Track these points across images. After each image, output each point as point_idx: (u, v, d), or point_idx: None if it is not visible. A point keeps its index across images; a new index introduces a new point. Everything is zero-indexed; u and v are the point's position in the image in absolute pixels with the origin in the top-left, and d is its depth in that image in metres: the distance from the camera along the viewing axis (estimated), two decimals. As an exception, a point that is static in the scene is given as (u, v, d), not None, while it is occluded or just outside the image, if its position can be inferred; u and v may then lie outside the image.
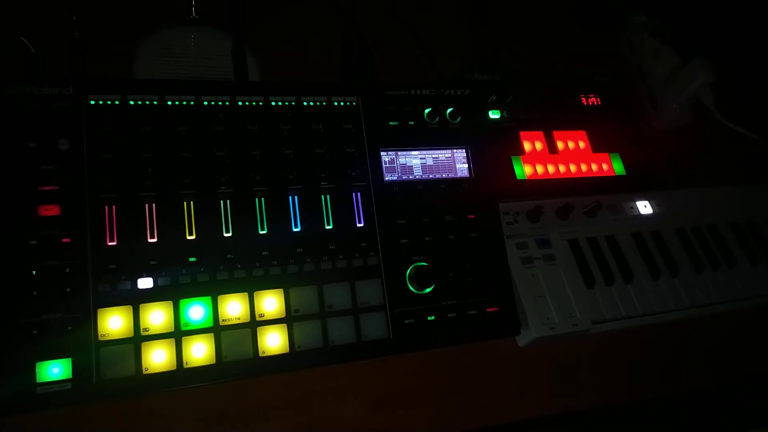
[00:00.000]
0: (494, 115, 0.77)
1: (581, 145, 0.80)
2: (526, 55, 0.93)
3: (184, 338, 0.55)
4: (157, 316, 0.55)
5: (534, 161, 0.76)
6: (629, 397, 0.71)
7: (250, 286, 0.59)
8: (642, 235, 0.77)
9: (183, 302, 0.56)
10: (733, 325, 0.78)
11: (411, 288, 0.64)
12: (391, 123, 0.69)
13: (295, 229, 0.62)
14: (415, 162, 0.69)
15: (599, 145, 0.80)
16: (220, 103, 0.64)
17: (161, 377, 0.54)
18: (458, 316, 0.64)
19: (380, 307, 0.62)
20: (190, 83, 0.64)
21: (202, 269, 0.58)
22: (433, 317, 0.63)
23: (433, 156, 0.70)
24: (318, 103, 0.67)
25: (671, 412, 0.77)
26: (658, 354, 0.74)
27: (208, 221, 0.59)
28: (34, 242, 0.54)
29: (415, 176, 0.68)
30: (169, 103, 0.62)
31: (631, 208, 0.77)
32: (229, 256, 0.59)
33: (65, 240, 0.55)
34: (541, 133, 0.78)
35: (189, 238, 0.58)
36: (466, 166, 0.71)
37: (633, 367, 0.73)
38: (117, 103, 0.60)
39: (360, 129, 0.68)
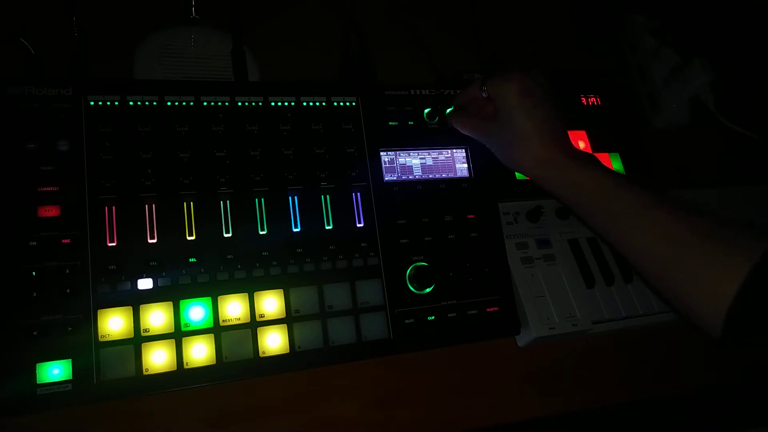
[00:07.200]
0: (494, 115, 0.77)
1: (581, 145, 0.79)
2: (526, 55, 0.93)
3: (184, 339, 0.55)
4: (157, 317, 0.55)
5: (534, 161, 0.76)
6: (629, 397, 0.71)
7: (250, 287, 0.59)
8: (642, 235, 0.76)
9: (183, 303, 0.56)
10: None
11: (411, 288, 0.63)
12: (390, 123, 0.69)
13: (295, 230, 0.62)
14: (414, 162, 0.69)
15: (599, 145, 0.80)
16: (219, 103, 0.63)
17: (162, 378, 0.54)
18: (458, 316, 0.64)
19: (380, 307, 0.62)
20: (190, 83, 0.64)
21: (202, 270, 0.58)
22: (433, 317, 0.63)
23: (433, 156, 0.70)
24: (318, 103, 0.67)
25: (672, 412, 0.77)
26: (658, 354, 0.74)
27: (208, 222, 0.59)
28: (34, 243, 0.54)
29: (414, 176, 0.68)
30: (169, 103, 0.62)
31: (631, 208, 0.77)
32: (229, 256, 0.59)
33: (65, 241, 0.55)
34: (541, 133, 0.78)
35: (189, 238, 0.58)
36: (465, 166, 0.71)
37: (633, 367, 0.73)
38: (117, 103, 0.60)
39: (360, 129, 0.68)
